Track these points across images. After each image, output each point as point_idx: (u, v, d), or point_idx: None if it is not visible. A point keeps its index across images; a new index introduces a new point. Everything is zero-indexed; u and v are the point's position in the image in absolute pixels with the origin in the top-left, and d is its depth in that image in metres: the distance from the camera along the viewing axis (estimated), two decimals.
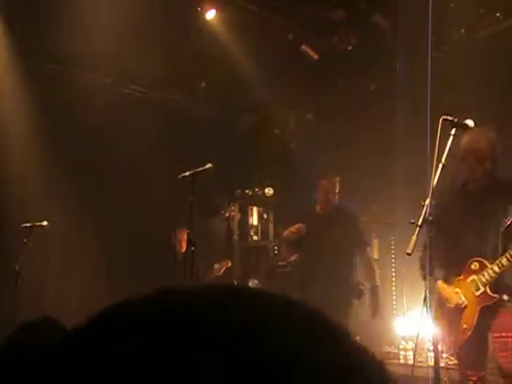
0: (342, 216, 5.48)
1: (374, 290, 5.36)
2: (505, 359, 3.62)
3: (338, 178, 5.61)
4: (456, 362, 4.45)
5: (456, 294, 3.77)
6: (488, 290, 3.66)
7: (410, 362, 5.60)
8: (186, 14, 6.35)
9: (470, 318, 3.72)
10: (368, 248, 5.65)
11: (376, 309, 5.34)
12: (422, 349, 5.45)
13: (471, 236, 3.78)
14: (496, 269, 3.62)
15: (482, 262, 3.70)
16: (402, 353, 5.94)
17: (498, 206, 3.74)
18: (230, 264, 6.53)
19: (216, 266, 6.38)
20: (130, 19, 5.71)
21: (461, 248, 3.81)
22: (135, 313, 0.51)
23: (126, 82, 7.20)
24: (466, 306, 3.74)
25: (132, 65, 6.60)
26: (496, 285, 3.65)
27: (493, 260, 3.65)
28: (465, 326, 3.71)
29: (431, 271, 3.23)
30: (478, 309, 3.69)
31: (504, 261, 3.59)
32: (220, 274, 6.40)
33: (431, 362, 4.77)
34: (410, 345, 5.89)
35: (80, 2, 5.64)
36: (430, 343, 4.80)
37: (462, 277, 3.79)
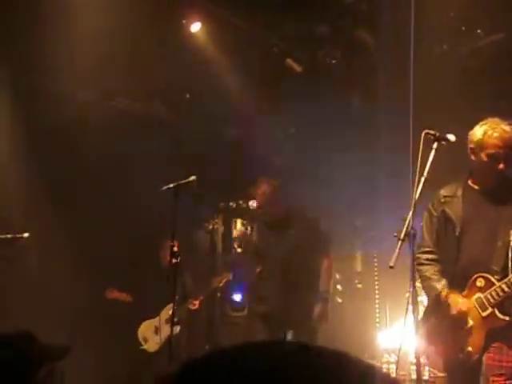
0: (296, 221, 5.16)
1: (325, 296, 5.09)
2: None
3: (275, 182, 5.28)
4: (439, 374, 4.44)
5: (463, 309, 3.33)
6: (497, 312, 3.24)
7: (393, 375, 5.61)
8: (171, 27, 6.36)
9: (477, 341, 3.28)
10: (331, 252, 5.28)
11: (325, 316, 5.06)
12: (405, 362, 5.46)
13: (476, 245, 3.37)
14: (505, 288, 3.20)
15: (489, 279, 3.27)
16: (385, 366, 5.93)
17: (509, 211, 3.34)
18: (230, 277, 6.45)
19: (215, 278, 6.36)
20: (116, 30, 5.70)
21: (464, 258, 3.40)
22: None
23: (110, 94, 7.18)
24: (471, 327, 3.31)
25: (117, 77, 6.59)
26: (503, 305, 3.25)
27: (500, 276, 3.25)
28: (470, 348, 3.29)
29: (415, 284, 3.25)
30: (485, 331, 3.27)
31: None
32: (220, 285, 6.39)
33: (414, 375, 4.79)
34: (393, 358, 5.89)
35: (62, 14, 5.62)
36: (412, 356, 4.81)
37: (465, 293, 3.36)
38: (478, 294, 3.30)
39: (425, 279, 3.44)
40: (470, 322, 3.32)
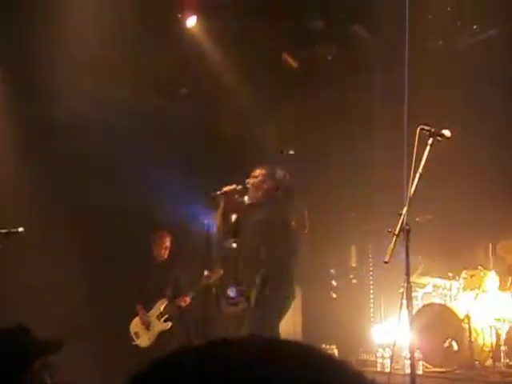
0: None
1: None
2: None
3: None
4: (432, 369, 4.45)
5: None
6: None
7: (387, 369, 5.63)
8: (166, 21, 6.33)
9: None
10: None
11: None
12: (399, 356, 5.48)
13: None
14: None
15: None
16: (379, 360, 5.95)
17: None
18: (221, 272, 6.39)
19: (206, 273, 6.29)
20: (110, 24, 5.69)
21: None
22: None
23: (106, 86, 7.14)
24: None
25: (112, 70, 6.56)
26: None
27: None
28: None
29: (409, 279, 3.25)
30: None
31: None
32: (211, 281, 6.32)
33: (408, 370, 4.79)
34: (388, 352, 5.91)
35: (61, 5, 5.60)
36: (407, 351, 4.82)
37: None
38: None
39: None
40: None
